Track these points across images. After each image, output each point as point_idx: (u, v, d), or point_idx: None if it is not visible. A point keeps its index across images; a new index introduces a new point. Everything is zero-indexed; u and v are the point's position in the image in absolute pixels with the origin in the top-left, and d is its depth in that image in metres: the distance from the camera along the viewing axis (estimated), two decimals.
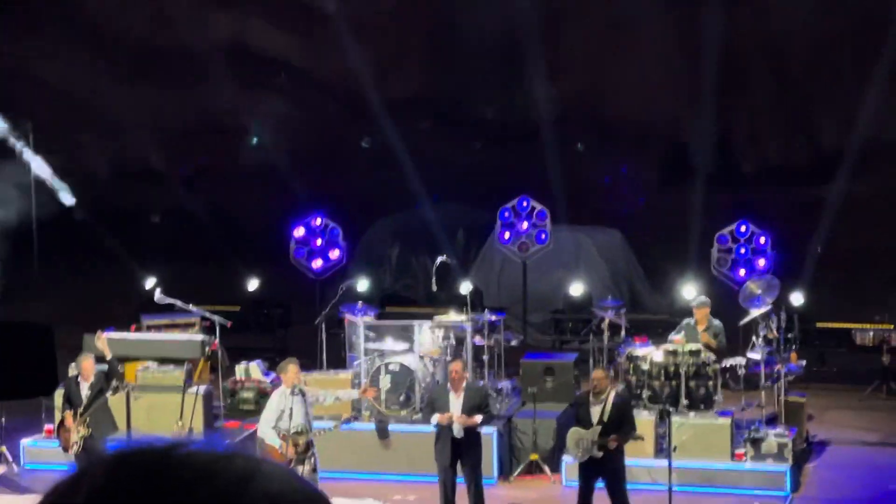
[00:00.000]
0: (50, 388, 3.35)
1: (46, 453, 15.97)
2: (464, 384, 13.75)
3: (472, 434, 13.64)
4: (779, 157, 32.26)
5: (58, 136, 31.51)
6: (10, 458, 16.32)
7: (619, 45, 31.69)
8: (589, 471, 13.34)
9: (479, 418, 13.66)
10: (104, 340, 14.41)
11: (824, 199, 26.82)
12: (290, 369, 13.27)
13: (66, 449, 14.09)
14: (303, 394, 13.18)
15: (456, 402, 13.59)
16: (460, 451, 13.57)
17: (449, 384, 13.76)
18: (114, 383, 14.15)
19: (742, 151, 32.86)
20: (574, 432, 13.41)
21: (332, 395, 14.02)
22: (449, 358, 16.20)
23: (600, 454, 13.15)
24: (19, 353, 2.31)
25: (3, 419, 16.45)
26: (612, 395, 13.48)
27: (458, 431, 13.54)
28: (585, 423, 13.32)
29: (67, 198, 28.89)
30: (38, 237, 30.53)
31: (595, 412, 13.27)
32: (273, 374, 18.29)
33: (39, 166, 28.78)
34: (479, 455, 13.73)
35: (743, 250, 19.60)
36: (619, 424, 13.21)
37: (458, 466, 13.64)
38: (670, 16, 30.91)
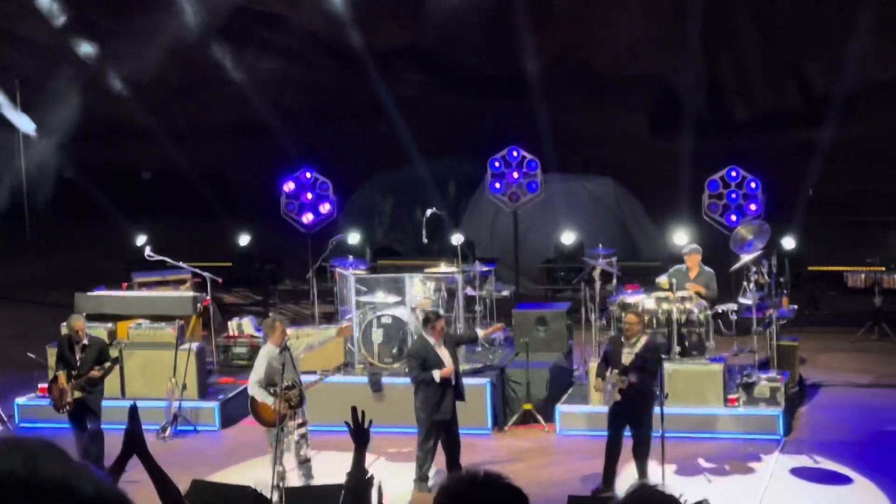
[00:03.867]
0: None
1: (41, 411, 15.99)
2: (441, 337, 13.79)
3: (459, 385, 13.74)
4: (769, 103, 32.16)
5: (44, 93, 31.37)
6: (4, 418, 16.35)
7: None
8: (616, 418, 13.39)
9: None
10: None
11: (815, 142, 26.75)
12: (278, 327, 13.27)
13: (57, 408, 14.10)
14: (288, 349, 13.17)
15: (446, 354, 13.63)
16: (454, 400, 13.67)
17: (432, 340, 13.71)
18: (107, 365, 14.17)
19: (732, 97, 32.76)
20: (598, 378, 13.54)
21: (306, 343, 13.95)
22: (441, 310, 16.20)
23: (619, 397, 13.18)
24: None
25: None
26: (644, 340, 13.50)
27: (453, 381, 13.62)
28: (616, 366, 13.34)
29: (55, 155, 28.80)
30: (28, 197, 30.47)
31: (626, 356, 13.31)
32: None
33: (26, 124, 28.67)
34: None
35: (734, 195, 19.55)
36: (640, 369, 13.21)
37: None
38: None
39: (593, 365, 14.68)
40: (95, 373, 13.99)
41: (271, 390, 13.07)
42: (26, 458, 1.32)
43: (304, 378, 13.61)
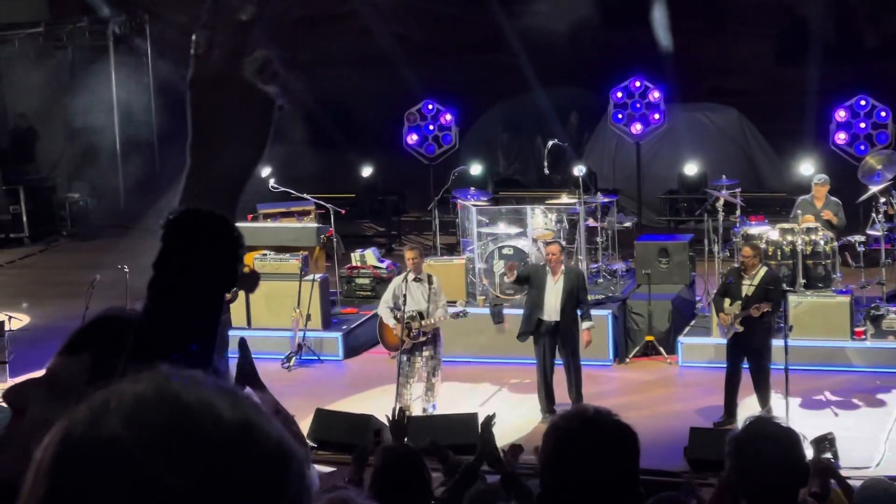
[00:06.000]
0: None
1: None
2: (562, 267, 13.73)
3: (570, 320, 13.61)
4: None
5: (173, 27, 31.78)
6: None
7: None
8: (734, 349, 13.30)
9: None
10: None
11: None
12: (406, 255, 13.57)
13: None
14: (430, 281, 13.38)
15: (554, 285, 13.58)
16: (558, 337, 13.59)
17: (547, 266, 13.73)
18: (233, 290, 14.38)
19: (863, 23, 31.94)
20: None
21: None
22: (563, 241, 16.20)
23: (741, 328, 13.09)
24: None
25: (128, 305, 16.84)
26: (763, 272, 13.37)
27: (552, 316, 13.54)
28: (736, 299, 13.25)
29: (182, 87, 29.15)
30: (157, 128, 30.97)
31: (746, 288, 13.21)
32: (388, 261, 18.53)
33: (153, 57, 29.06)
34: (577, 340, 13.71)
35: (863, 125, 19.14)
36: (762, 301, 13.09)
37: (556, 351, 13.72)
38: None
39: None
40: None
41: (396, 314, 13.30)
42: (232, 402, 1.39)
43: (450, 310, 13.82)
